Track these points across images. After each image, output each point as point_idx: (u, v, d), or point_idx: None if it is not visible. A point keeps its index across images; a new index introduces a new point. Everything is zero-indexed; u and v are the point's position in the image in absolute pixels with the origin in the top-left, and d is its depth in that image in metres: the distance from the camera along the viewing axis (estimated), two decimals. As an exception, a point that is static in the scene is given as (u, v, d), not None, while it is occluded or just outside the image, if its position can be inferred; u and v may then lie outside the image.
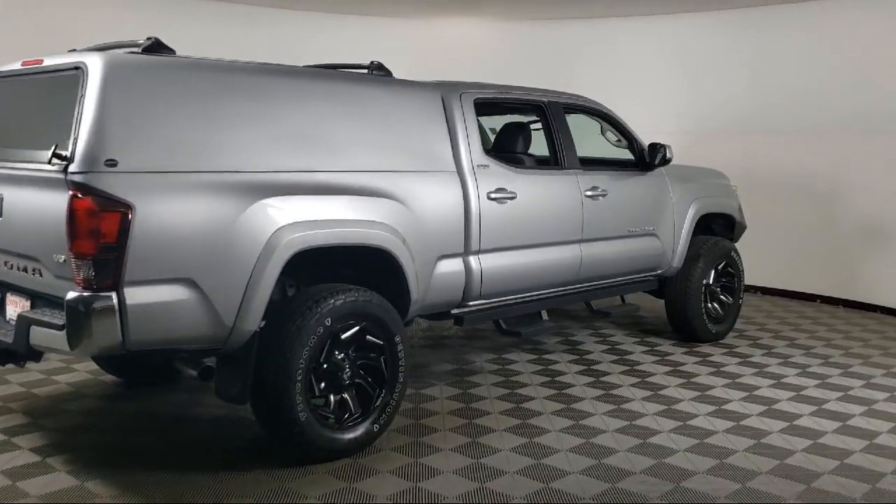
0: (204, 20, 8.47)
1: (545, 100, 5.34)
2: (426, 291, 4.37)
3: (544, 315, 5.27)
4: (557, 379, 5.33)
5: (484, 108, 5.14)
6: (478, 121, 4.80)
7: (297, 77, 4.10)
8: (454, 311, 4.73)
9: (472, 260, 4.62)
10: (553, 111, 5.35)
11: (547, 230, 5.05)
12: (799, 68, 8.36)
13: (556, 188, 5.16)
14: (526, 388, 5.10)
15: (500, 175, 4.80)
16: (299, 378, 3.68)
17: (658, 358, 5.91)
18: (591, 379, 5.35)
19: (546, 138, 5.38)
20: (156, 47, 3.66)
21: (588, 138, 6.25)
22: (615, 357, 5.90)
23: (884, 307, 7.78)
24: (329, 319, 3.76)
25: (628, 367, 5.63)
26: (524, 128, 5.59)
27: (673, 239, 6.08)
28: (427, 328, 6.73)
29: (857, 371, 5.66)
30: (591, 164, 5.86)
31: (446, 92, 4.70)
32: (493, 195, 4.70)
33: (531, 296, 5.11)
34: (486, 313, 4.86)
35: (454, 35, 9.66)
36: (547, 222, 5.04)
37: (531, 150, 5.60)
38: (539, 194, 5.01)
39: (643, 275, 6.00)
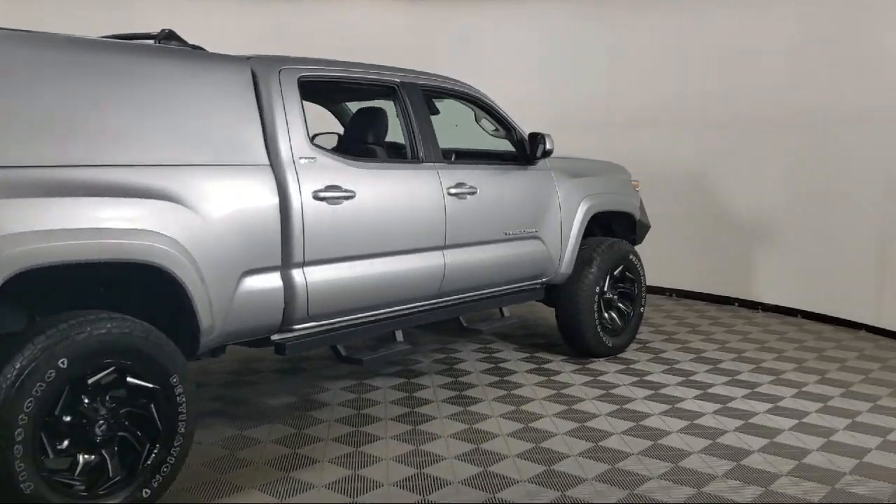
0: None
1: (398, 80, 4.52)
2: (226, 316, 3.51)
3: (399, 336, 4.46)
4: (418, 410, 4.52)
5: (318, 89, 4.30)
6: (303, 104, 3.95)
7: (50, 47, 3.19)
8: (274, 338, 3.88)
9: (295, 274, 3.78)
10: (409, 94, 4.53)
11: (397, 236, 4.22)
12: (665, 59, 7.93)
13: (410, 185, 4.35)
14: (374, 425, 4.29)
15: (333, 170, 3.96)
16: (20, 438, 2.79)
17: (543, 379, 5.14)
18: (458, 409, 4.55)
19: (401, 126, 4.56)
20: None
21: (466, 129, 5.48)
22: (494, 379, 5.12)
23: (805, 311, 7.17)
24: (64, 359, 2.87)
25: (505, 393, 4.85)
26: (377, 114, 4.77)
27: (560, 242, 5.32)
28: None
29: (766, 392, 4.98)
30: (462, 157, 5.10)
31: (260, 67, 3.84)
32: (321, 194, 3.85)
33: (380, 314, 4.29)
34: (319, 338, 4.01)
35: (354, 19, 8.74)
36: (397, 226, 4.22)
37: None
38: (386, 193, 4.19)
39: (525, 283, 5.23)
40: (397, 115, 4.56)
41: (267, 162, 3.71)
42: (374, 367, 4.71)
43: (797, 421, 4.45)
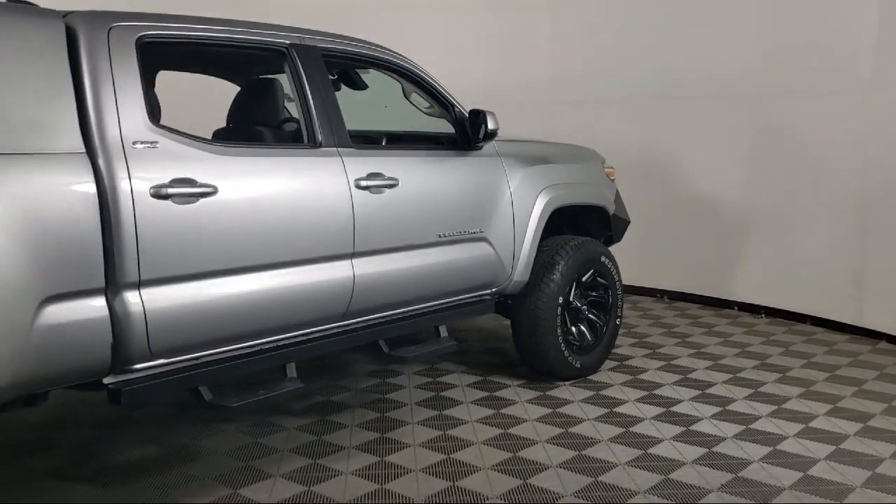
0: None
1: (287, 42, 3.55)
2: (19, 359, 2.58)
3: (291, 371, 3.51)
4: (322, 462, 3.59)
5: (176, 55, 3.35)
6: (139, 72, 2.99)
7: None
8: (107, 381, 2.95)
9: (128, 298, 2.83)
10: (304, 61, 3.57)
11: (281, 242, 3.27)
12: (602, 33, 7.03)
13: (300, 177, 3.38)
14: (261, 484, 3.36)
15: (184, 159, 3.00)
16: None
17: (490, 413, 4.19)
18: (373, 459, 3.62)
19: (297, 102, 3.60)
20: None
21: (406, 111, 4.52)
22: (431, 414, 4.17)
23: (816, 318, 6.18)
24: None
25: (438, 434, 3.91)
26: (265, 88, 3.82)
27: (512, 243, 4.36)
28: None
29: (764, 430, 4.02)
30: (392, 141, 4.17)
31: (82, 24, 2.89)
32: (166, 191, 2.90)
33: (262, 345, 3.35)
34: (170, 380, 3.07)
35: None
36: (280, 230, 3.26)
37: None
38: (262, 188, 3.23)
39: (469, 296, 4.28)
40: (291, 89, 3.61)
41: (82, 149, 2.77)
42: (250, 407, 3.61)
43: (801, 473, 3.49)
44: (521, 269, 4.42)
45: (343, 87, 4.50)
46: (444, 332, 4.21)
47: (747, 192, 6.48)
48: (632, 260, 6.81)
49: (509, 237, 4.33)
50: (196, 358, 3.11)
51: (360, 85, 4.50)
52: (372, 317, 3.74)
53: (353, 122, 5.43)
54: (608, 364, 5.03)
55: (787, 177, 6.20)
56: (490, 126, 4.02)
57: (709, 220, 6.71)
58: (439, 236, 3.95)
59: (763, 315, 6.45)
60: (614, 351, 5.29)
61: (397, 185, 3.72)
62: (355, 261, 3.56)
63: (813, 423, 4.07)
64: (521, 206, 4.39)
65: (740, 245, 6.57)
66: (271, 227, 3.22)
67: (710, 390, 4.58)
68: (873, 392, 4.57)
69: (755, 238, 6.46)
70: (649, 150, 6.95)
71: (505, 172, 4.34)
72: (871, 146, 5.64)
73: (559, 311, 4.55)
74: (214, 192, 3.03)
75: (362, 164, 3.62)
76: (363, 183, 3.58)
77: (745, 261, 6.57)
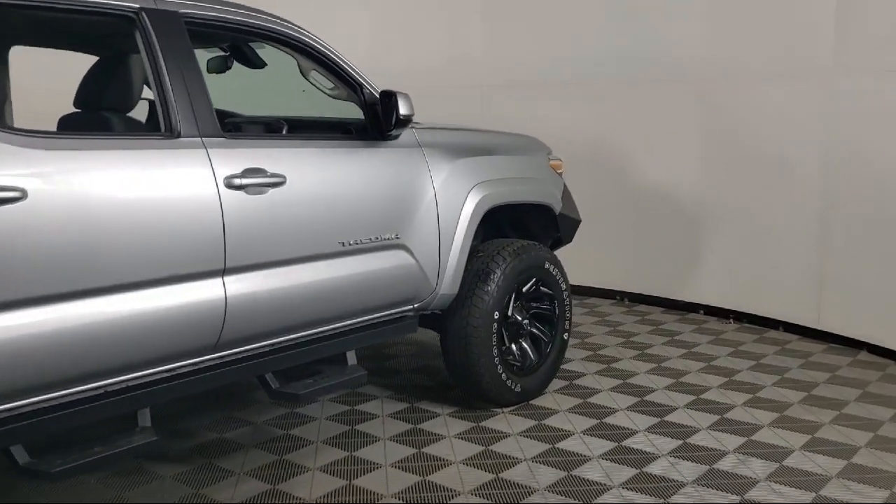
0: None
1: (137, 7, 2.82)
2: None
3: (144, 419, 2.81)
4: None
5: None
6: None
7: None
8: None
9: None
10: (159, 30, 2.84)
11: (119, 260, 2.54)
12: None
13: (144, 176, 2.65)
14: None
15: (-28, 155, 2.30)
16: None
17: (411, 453, 3.52)
18: (256, 519, 2.95)
19: (151, 81, 2.88)
20: None
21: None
22: (340, 456, 3.49)
23: (789, 323, 5.59)
24: None
25: (344, 484, 3.24)
26: (115, 64, 3.10)
27: (437, 250, 3.69)
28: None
29: (731, 469, 3.39)
30: (296, 129, 3.50)
31: None
32: (-53, 197, 2.20)
33: (103, 387, 2.65)
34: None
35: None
36: (119, 244, 2.54)
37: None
38: (90, 190, 2.49)
39: (384, 313, 3.60)
40: (146, 67, 2.89)
41: None
42: (70, 473, 2.75)
43: (777, 532, 2.87)
44: (448, 281, 3.75)
45: (263, 70, 3.83)
46: (352, 358, 3.51)
47: (710, 184, 5.90)
48: (588, 260, 6.22)
49: (433, 243, 3.66)
50: (7, 409, 2.40)
51: (255, 62, 3.79)
52: (255, 346, 3.05)
53: (259, 109, 4.71)
54: (556, 383, 4.39)
55: (752, 165, 5.62)
56: (402, 111, 3.33)
57: (669, 215, 6.12)
58: (342, 245, 3.26)
59: (731, 320, 5.86)
60: (564, 367, 4.66)
61: (284, 183, 3.02)
62: (228, 279, 2.87)
63: (788, 461, 3.45)
64: (448, 206, 3.71)
65: (705, 243, 5.98)
66: (104, 241, 2.51)
67: (671, 417, 3.95)
68: (856, 418, 3.97)
69: (721, 235, 5.88)
70: (602, 139, 6.34)
71: (427, 166, 3.66)
72: (833, 132, 5.12)
73: (495, 327, 3.90)
74: (21, 197, 2.32)
75: (237, 157, 2.92)
76: (237, 181, 2.88)
77: (711, 260, 5.97)
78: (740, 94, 5.64)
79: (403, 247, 3.53)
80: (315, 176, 3.17)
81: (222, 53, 3.90)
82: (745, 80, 5.59)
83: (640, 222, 6.28)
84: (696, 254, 6.03)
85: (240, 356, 3.02)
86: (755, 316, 5.76)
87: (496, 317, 3.89)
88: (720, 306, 5.96)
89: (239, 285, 2.90)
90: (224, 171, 2.86)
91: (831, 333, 5.29)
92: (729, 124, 5.73)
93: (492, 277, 3.88)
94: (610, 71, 6.16)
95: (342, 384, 3.39)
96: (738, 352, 5.10)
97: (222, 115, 4.07)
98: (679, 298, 6.20)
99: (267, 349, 3.10)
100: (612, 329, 5.64)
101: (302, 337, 3.22)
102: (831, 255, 5.24)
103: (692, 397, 4.24)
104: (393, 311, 3.61)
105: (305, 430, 3.78)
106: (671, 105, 5.98)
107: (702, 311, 6.06)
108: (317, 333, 3.27)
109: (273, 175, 3.00)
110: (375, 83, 3.50)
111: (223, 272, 2.85)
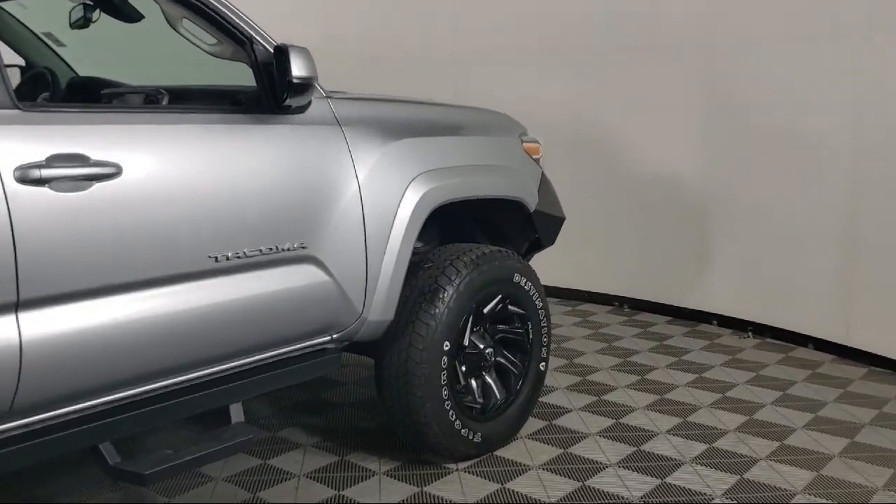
0: None
1: None
2: None
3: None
4: None
5: None
6: None
7: None
8: None
9: None
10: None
11: None
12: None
13: None
14: None
15: None
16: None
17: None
18: None
19: None
20: None
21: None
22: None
23: (820, 340, 4.64)
24: None
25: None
26: None
27: (364, 263, 2.75)
28: None
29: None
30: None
31: None
32: None
33: None
34: None
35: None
36: None
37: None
38: None
39: (285, 350, 2.67)
40: None
41: None
42: None
43: None
44: (379, 303, 2.82)
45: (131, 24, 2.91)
46: (237, 414, 2.57)
47: (719, 171, 4.98)
48: (581, 260, 5.31)
49: (356, 254, 2.72)
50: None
51: (127, 14, 2.86)
52: (73, 408, 2.13)
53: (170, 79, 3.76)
54: (530, 425, 3.47)
55: (769, 149, 4.67)
56: (296, 72, 2.38)
57: (674, 207, 5.19)
58: (215, 260, 2.34)
59: (750, 334, 4.91)
60: (543, 398, 3.76)
61: (117, 174, 2.10)
62: (24, 315, 1.96)
63: (834, 554, 2.53)
64: (379, 204, 2.78)
65: (716, 241, 5.05)
66: None
67: (675, 477, 3.03)
68: (918, 479, 3.04)
69: (734, 231, 4.94)
70: (590, 117, 5.38)
71: (349, 149, 2.72)
72: (865, 109, 4.17)
73: (445, 361, 2.97)
74: None
75: (39, 138, 2.00)
76: (37, 173, 1.96)
77: (724, 261, 5.03)
78: (754, 63, 4.69)
79: (312, 259, 2.60)
80: (167, 164, 2.24)
81: (83, 2, 2.98)
82: (759, 46, 4.64)
83: (640, 216, 5.34)
84: (707, 254, 5.09)
85: (53, 423, 2.11)
86: (778, 329, 4.82)
87: (446, 348, 2.97)
88: (736, 316, 5.03)
89: (42, 324, 1.99)
90: (15, 158, 1.94)
91: (869, 353, 4.36)
92: (741, 100, 4.79)
93: (441, 296, 2.95)
94: (598, 36, 5.21)
95: (215, 454, 2.42)
96: (760, 378, 4.16)
97: (96, 85, 3.17)
98: (687, 306, 5.26)
99: (94, 411, 2.18)
100: (608, 345, 4.71)
101: (152, 391, 2.30)
102: (861, 257, 4.30)
103: (703, 446, 3.31)
104: (300, 345, 2.69)
105: (199, 493, 2.87)
106: (673, 77, 5.03)
107: (714, 322, 5.12)
108: (177, 384, 2.35)
109: (99, 163, 2.07)
110: (272, 36, 2.56)
111: (16, 307, 1.94)
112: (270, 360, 2.61)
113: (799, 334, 4.70)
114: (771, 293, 4.81)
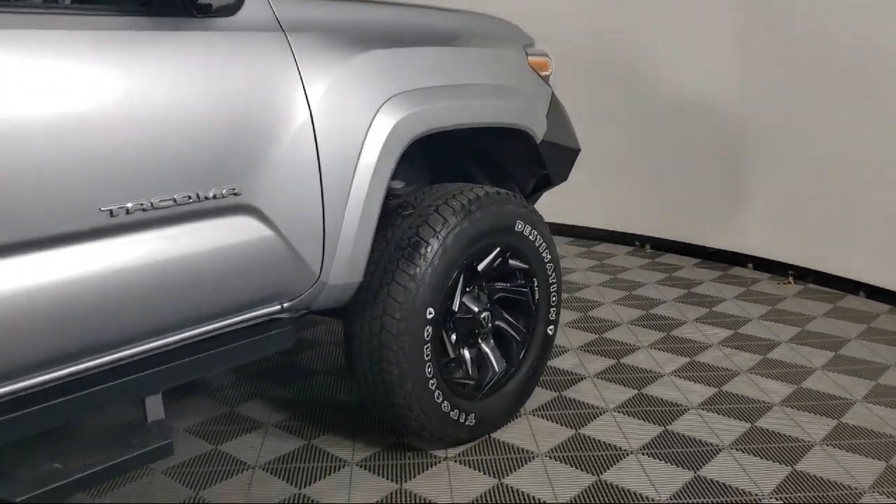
0: None
1: None
2: None
3: None
4: None
5: None
6: None
7: None
8: None
9: None
10: None
11: None
12: None
13: None
14: None
15: None
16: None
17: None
18: None
19: None
20: None
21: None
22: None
23: (871, 286, 4.03)
24: None
25: None
26: None
27: (321, 212, 2.14)
28: None
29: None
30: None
31: None
32: None
33: None
34: None
35: None
36: None
37: None
38: None
39: (218, 325, 2.09)
40: None
41: None
42: None
43: None
44: (343, 262, 2.22)
45: None
46: (156, 409, 2.02)
47: (761, 93, 4.25)
48: (596, 195, 4.68)
49: (310, 201, 2.11)
50: None
51: None
52: None
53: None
54: (536, 397, 2.92)
55: (820, 68, 3.95)
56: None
57: (706, 135, 4.50)
58: (110, 213, 1.74)
59: (791, 280, 4.30)
60: (552, 363, 3.21)
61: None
62: None
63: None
64: (338, 136, 2.14)
65: (753, 173, 4.39)
66: None
67: (710, 468, 2.48)
68: None
69: (776, 166, 4.27)
70: (611, 29, 4.66)
71: (296, 64, 2.07)
72: None
73: (429, 332, 2.40)
74: None
75: None
76: None
77: (764, 198, 4.38)
78: None
79: (249, 209, 1.99)
80: (38, 83, 1.62)
81: None
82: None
83: (665, 145, 4.68)
84: (742, 188, 4.44)
85: None
86: (823, 274, 4.21)
87: (430, 315, 2.38)
88: (774, 259, 4.41)
89: None
90: None
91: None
92: (785, 7, 4.06)
93: (422, 252, 2.35)
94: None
95: (120, 466, 1.85)
96: (805, 334, 3.58)
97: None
98: (718, 247, 4.64)
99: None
100: (627, 294, 4.13)
101: (33, 386, 1.74)
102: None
103: (744, 425, 2.75)
104: (239, 317, 2.11)
105: (128, 492, 2.36)
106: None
107: (750, 266, 4.51)
108: (70, 375, 1.79)
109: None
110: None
111: None
112: (200, 338, 2.04)
113: (848, 280, 4.09)
114: (816, 233, 4.19)
